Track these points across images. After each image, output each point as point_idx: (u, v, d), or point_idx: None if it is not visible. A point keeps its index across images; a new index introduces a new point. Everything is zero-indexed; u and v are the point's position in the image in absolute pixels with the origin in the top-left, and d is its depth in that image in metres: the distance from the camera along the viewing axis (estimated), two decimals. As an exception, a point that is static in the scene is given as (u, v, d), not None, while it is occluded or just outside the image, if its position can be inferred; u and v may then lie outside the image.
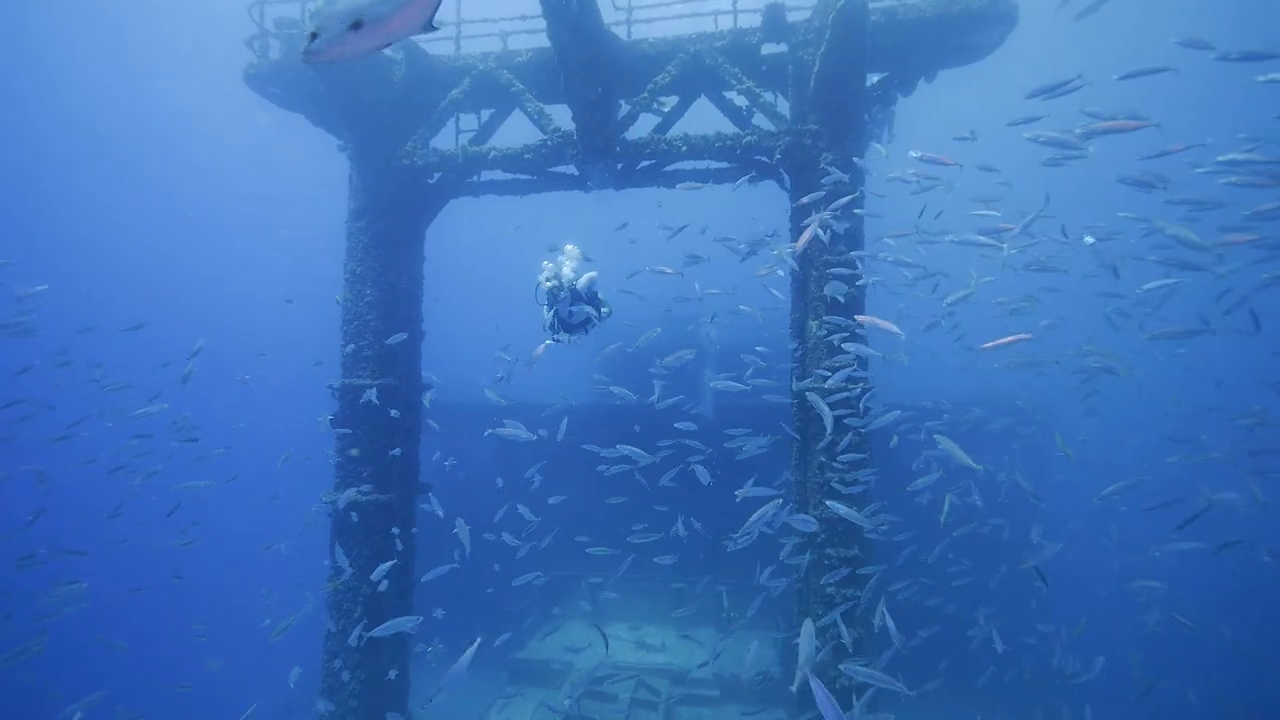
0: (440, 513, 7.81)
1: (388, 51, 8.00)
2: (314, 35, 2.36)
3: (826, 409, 5.75)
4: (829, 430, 6.03)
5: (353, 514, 7.48)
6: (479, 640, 5.59)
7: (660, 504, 9.80)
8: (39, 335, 11.16)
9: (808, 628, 4.39)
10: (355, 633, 7.16)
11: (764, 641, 12.53)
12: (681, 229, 8.69)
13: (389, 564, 7.28)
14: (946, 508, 7.24)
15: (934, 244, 7.80)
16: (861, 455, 6.56)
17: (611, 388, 10.49)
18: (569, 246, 7.64)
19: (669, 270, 8.47)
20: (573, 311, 7.46)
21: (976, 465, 5.15)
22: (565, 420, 8.37)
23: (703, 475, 8.25)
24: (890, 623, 6.09)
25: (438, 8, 2.57)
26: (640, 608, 14.24)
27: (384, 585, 7.20)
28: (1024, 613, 12.60)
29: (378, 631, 6.36)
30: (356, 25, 2.37)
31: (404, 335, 8.01)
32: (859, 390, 6.51)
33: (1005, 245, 6.68)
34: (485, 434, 8.25)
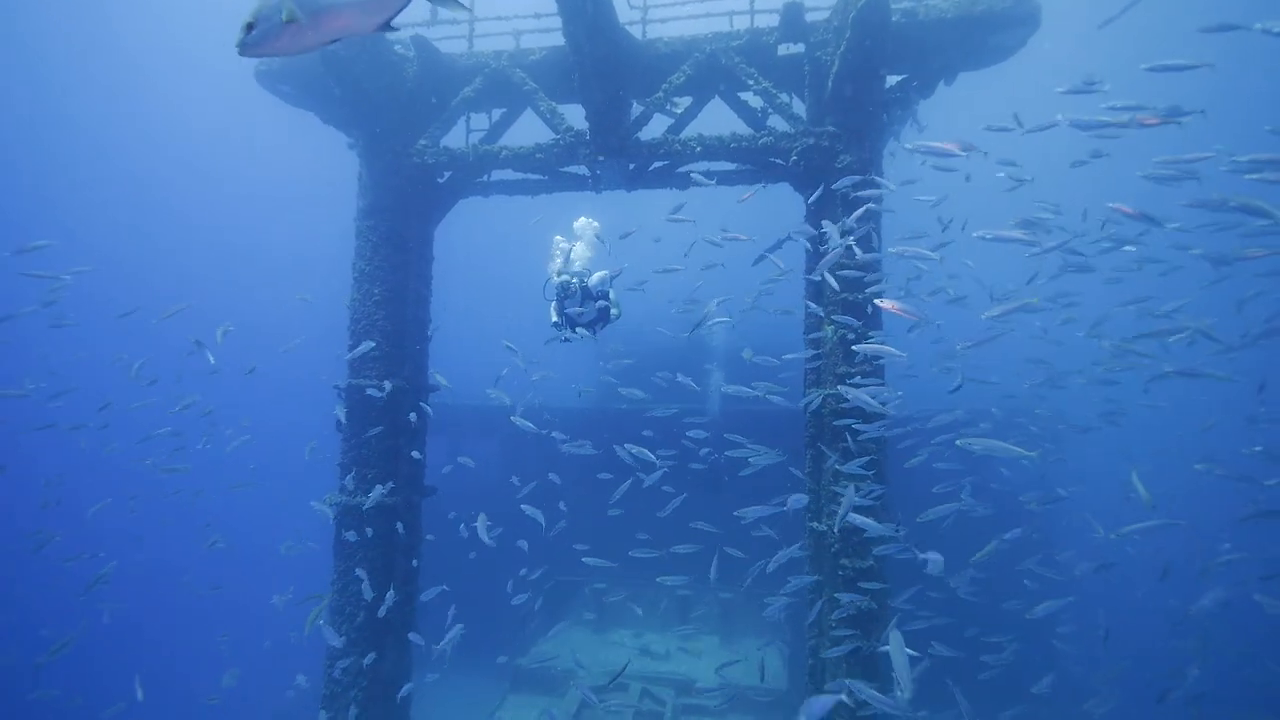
0: (492, 543, 7.54)
1: (399, 48, 7.91)
2: (250, 27, 2.22)
3: (867, 398, 5.47)
4: (869, 419, 5.66)
5: (366, 525, 7.31)
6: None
7: (664, 512, 9.63)
8: (67, 325, 11.12)
9: (897, 638, 3.70)
10: (357, 652, 7.04)
11: (770, 654, 12.35)
12: (691, 241, 8.52)
13: (400, 579, 7.15)
14: (991, 547, 6.95)
15: (950, 244, 7.62)
16: (876, 469, 6.37)
17: (620, 389, 10.34)
18: (580, 222, 7.36)
19: (678, 268, 8.33)
20: (582, 311, 7.26)
21: (1030, 453, 4.88)
22: (582, 441, 8.24)
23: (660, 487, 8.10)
24: (962, 699, 5.81)
25: (399, 10, 2.42)
26: (644, 614, 14.06)
27: (390, 599, 7.05)
28: (1050, 638, 12.26)
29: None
30: (297, 20, 2.23)
31: (434, 327, 7.86)
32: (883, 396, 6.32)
33: (1038, 245, 6.43)
34: (562, 445, 8.02)
